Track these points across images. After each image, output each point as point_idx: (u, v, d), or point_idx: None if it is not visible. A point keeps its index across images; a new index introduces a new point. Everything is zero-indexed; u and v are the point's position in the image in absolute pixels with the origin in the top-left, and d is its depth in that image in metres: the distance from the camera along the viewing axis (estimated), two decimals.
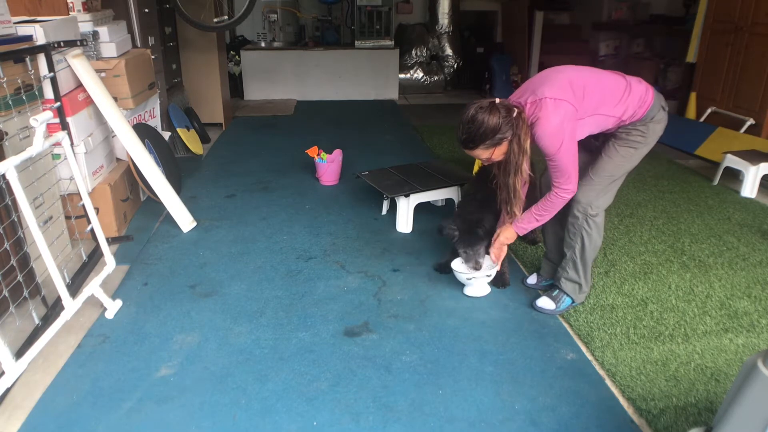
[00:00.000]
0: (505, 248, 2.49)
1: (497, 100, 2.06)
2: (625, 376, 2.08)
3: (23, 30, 2.58)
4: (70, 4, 3.27)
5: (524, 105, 2.08)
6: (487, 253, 2.55)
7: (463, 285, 2.62)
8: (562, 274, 2.46)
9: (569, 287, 2.46)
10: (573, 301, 2.49)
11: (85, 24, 3.22)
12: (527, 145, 2.07)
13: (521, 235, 2.38)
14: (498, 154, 2.13)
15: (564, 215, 2.36)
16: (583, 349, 2.26)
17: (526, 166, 2.13)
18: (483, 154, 2.13)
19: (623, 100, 2.12)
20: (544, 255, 2.69)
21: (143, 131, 3.50)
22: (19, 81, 2.44)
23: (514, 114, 2.05)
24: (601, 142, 2.32)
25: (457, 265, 2.59)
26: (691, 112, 5.30)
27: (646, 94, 2.15)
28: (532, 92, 2.08)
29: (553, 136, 2.03)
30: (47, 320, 2.26)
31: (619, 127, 2.22)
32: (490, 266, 2.55)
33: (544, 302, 2.49)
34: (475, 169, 4.31)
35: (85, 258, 2.72)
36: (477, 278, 2.51)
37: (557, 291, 2.50)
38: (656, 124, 2.19)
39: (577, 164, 2.13)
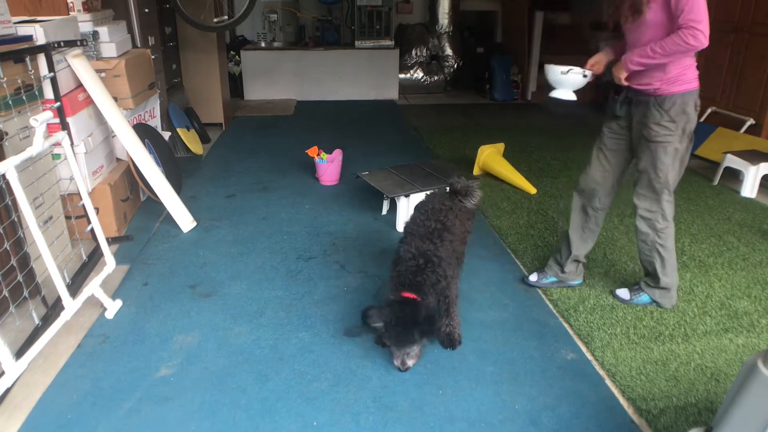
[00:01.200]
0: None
1: None
2: (625, 376, 2.08)
3: (23, 30, 2.58)
4: (70, 4, 3.27)
5: None
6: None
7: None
8: (649, 284, 2.52)
9: (656, 293, 2.51)
10: (652, 301, 2.54)
11: (85, 24, 3.23)
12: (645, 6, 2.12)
13: (630, 70, 2.20)
14: None
15: (586, 221, 2.49)
16: (583, 349, 2.26)
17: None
18: None
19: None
20: (553, 254, 2.71)
21: (143, 131, 3.50)
22: (19, 81, 2.44)
23: None
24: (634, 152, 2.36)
25: (552, 65, 2.41)
26: None
27: (695, 79, 2.20)
28: None
29: None
30: (47, 320, 2.26)
31: (653, 118, 2.20)
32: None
33: (623, 292, 2.58)
34: (476, 170, 4.32)
35: (85, 258, 2.72)
36: (573, 73, 2.32)
37: (640, 288, 2.56)
38: (687, 124, 2.20)
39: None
